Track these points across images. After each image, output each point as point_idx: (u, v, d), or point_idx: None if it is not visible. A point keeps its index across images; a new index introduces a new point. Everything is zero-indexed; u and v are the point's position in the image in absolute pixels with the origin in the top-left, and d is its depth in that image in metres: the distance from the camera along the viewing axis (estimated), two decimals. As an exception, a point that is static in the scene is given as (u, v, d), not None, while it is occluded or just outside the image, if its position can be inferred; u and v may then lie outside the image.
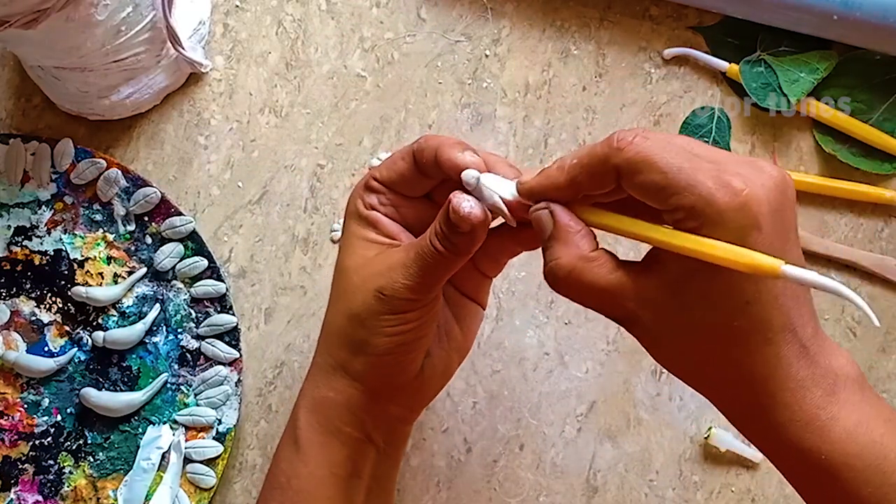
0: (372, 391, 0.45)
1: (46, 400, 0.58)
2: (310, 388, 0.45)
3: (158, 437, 0.57)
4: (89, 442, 0.58)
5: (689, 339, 0.38)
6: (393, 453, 0.48)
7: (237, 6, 0.62)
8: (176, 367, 0.58)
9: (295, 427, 0.45)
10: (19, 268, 0.59)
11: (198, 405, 0.58)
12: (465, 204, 0.40)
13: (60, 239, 0.59)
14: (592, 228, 0.40)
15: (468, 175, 0.42)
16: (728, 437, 0.57)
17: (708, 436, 0.57)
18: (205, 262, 0.58)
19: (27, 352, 0.58)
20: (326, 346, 0.45)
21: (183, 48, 0.58)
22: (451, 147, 0.42)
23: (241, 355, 0.58)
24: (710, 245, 0.35)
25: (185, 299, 0.59)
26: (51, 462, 0.58)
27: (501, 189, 0.41)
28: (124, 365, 0.58)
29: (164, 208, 0.59)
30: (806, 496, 0.39)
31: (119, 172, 0.59)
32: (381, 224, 0.45)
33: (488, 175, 0.42)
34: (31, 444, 0.58)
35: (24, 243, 0.59)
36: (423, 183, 0.45)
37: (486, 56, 0.62)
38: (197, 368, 0.58)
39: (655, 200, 0.36)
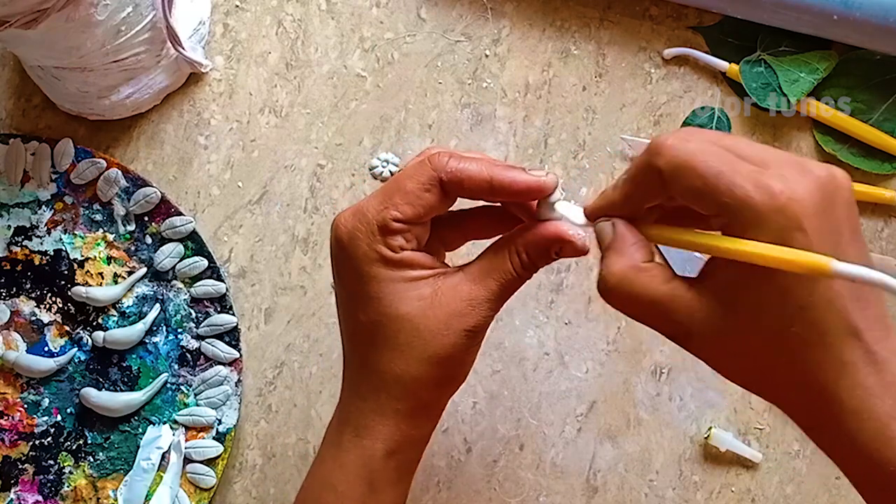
0: (442, 411, 0.46)
1: (46, 400, 0.58)
2: (387, 433, 0.44)
3: (158, 437, 0.57)
4: (89, 442, 0.58)
5: (747, 350, 0.37)
6: None
7: (237, 6, 0.62)
8: (176, 367, 0.58)
9: (370, 470, 0.44)
10: (19, 268, 0.59)
11: (198, 405, 0.58)
12: (584, 240, 0.41)
13: (60, 239, 0.59)
14: (654, 243, 0.41)
15: (558, 209, 0.42)
16: (728, 437, 0.57)
17: (708, 436, 0.57)
18: (205, 262, 0.58)
19: (27, 352, 0.58)
20: (406, 393, 0.43)
21: (183, 48, 0.58)
22: (502, 170, 0.41)
23: (241, 355, 0.58)
24: (757, 246, 0.34)
25: (185, 299, 0.59)
26: (51, 462, 0.58)
27: (574, 215, 0.42)
28: (124, 365, 0.58)
29: (164, 208, 0.59)
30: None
31: (119, 172, 0.59)
32: (417, 261, 0.43)
33: (562, 202, 0.42)
34: (31, 444, 0.58)
35: (24, 243, 0.59)
36: (445, 210, 0.44)
37: (486, 56, 0.62)
38: (197, 368, 0.58)
39: (698, 204, 0.36)
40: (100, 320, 0.59)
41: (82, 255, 0.59)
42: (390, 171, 0.60)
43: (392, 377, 0.43)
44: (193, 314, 0.59)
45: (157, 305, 0.59)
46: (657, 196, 0.39)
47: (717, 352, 0.38)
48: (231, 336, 0.58)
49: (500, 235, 0.45)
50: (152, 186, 0.59)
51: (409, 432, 0.44)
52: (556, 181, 0.42)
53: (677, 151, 0.36)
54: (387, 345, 0.43)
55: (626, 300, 0.40)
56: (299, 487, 0.46)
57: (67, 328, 0.59)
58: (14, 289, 0.59)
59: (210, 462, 0.57)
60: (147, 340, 0.58)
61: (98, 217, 0.59)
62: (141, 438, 0.58)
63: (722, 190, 0.35)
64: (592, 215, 0.41)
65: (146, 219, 0.59)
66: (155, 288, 0.59)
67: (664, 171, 0.36)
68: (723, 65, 0.60)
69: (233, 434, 0.57)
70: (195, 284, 0.59)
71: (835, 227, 0.35)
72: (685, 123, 0.60)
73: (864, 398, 0.35)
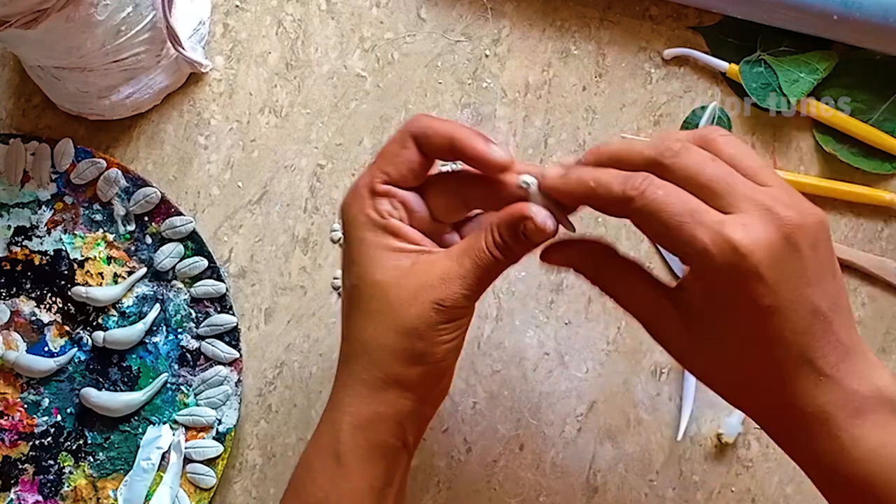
0: (421, 398, 0.45)
1: (46, 400, 0.58)
2: (353, 404, 0.44)
3: (158, 437, 0.57)
4: (89, 442, 0.58)
5: (711, 367, 0.41)
6: (414, 452, 0.48)
7: (237, 6, 0.62)
8: (176, 367, 0.58)
9: (336, 442, 0.44)
10: (19, 268, 0.59)
11: (198, 405, 0.58)
12: (546, 219, 0.42)
13: (60, 239, 0.59)
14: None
15: (525, 180, 0.42)
16: (734, 422, 0.57)
17: (720, 433, 0.57)
18: (205, 262, 0.58)
19: (27, 352, 0.58)
20: (372, 362, 0.44)
21: (183, 48, 0.58)
22: (471, 138, 0.43)
23: (241, 355, 0.58)
24: None
25: (185, 299, 0.59)
26: (51, 462, 0.58)
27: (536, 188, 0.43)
28: (124, 365, 0.58)
29: (164, 208, 0.59)
30: None
31: (119, 172, 0.59)
32: (403, 232, 0.44)
33: (530, 178, 0.43)
34: (31, 444, 0.58)
35: (24, 243, 0.59)
36: (425, 171, 0.45)
37: (486, 56, 0.62)
38: (197, 368, 0.58)
39: (664, 246, 0.40)
40: (100, 320, 0.59)
41: (82, 255, 0.59)
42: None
43: (360, 344, 0.44)
44: (193, 314, 0.59)
45: (157, 305, 0.59)
46: (611, 215, 0.41)
47: (680, 357, 0.43)
48: (231, 336, 0.58)
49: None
50: (152, 186, 0.59)
51: (375, 407, 0.43)
52: (507, 160, 0.42)
53: (646, 199, 0.38)
54: (360, 310, 0.44)
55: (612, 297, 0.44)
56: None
57: (67, 328, 0.59)
58: (14, 289, 0.59)
59: (210, 462, 0.57)
60: (147, 340, 0.58)
61: (98, 217, 0.59)
62: (141, 438, 0.58)
63: (684, 240, 0.38)
64: (549, 189, 0.42)
65: (146, 219, 0.59)
66: (155, 288, 0.59)
67: (630, 213, 0.39)
68: (723, 65, 0.60)
69: (233, 434, 0.57)
70: (195, 284, 0.59)
71: (797, 274, 0.38)
72: (685, 123, 0.60)
73: (816, 415, 0.39)
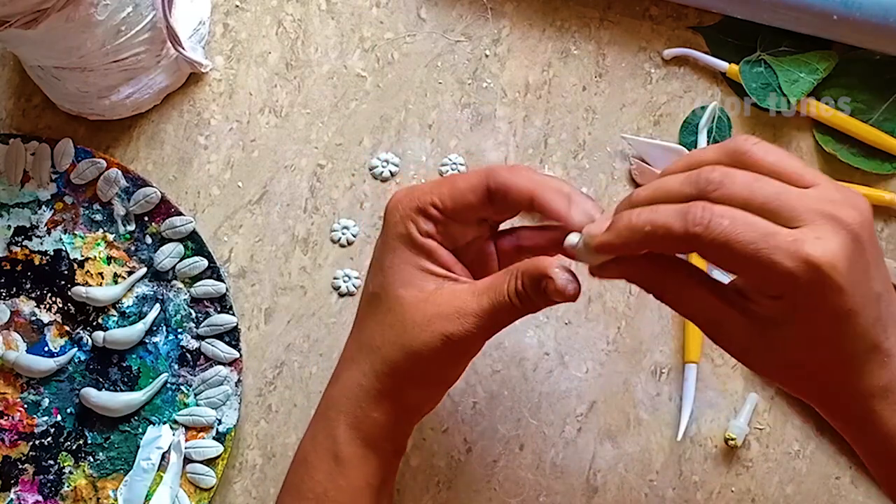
0: (416, 410, 0.46)
1: (46, 400, 0.58)
2: (350, 405, 0.45)
3: (158, 437, 0.57)
4: (89, 442, 0.58)
5: (778, 365, 0.41)
6: (404, 452, 0.49)
7: (237, 6, 0.62)
8: (176, 367, 0.58)
9: (334, 441, 0.45)
10: (19, 268, 0.59)
11: (198, 405, 0.58)
12: (567, 284, 0.41)
13: (60, 239, 0.59)
14: None
15: (572, 240, 0.42)
16: (741, 423, 0.57)
17: (727, 436, 0.57)
18: (205, 262, 0.58)
19: (27, 352, 0.58)
20: (374, 371, 0.44)
21: (183, 48, 0.58)
22: (553, 199, 0.42)
23: (241, 355, 0.58)
24: None
25: (185, 299, 0.59)
26: (51, 462, 0.58)
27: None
28: (124, 365, 0.58)
29: (164, 208, 0.59)
30: (890, 492, 0.42)
31: (119, 172, 0.59)
32: (438, 255, 0.44)
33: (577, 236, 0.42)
34: (31, 444, 0.58)
35: (24, 243, 0.59)
36: (481, 218, 0.45)
37: (486, 56, 0.62)
38: (197, 368, 0.58)
39: (737, 273, 0.39)
40: (100, 320, 0.58)
41: (82, 255, 0.59)
42: (390, 171, 0.60)
43: (368, 351, 0.44)
44: (193, 314, 0.59)
45: (157, 305, 0.59)
46: (675, 253, 0.41)
47: (742, 357, 0.41)
48: (231, 336, 0.58)
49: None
50: (152, 186, 0.59)
51: (371, 413, 0.44)
52: (584, 222, 0.41)
53: (714, 231, 0.37)
54: (375, 318, 0.44)
55: (667, 302, 0.43)
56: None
57: (67, 328, 0.59)
58: (14, 289, 0.59)
59: (210, 462, 0.57)
60: (147, 340, 0.58)
61: (98, 217, 0.59)
62: (141, 438, 0.58)
63: (763, 267, 0.36)
64: (601, 249, 0.41)
65: (146, 219, 0.59)
66: (155, 288, 0.59)
67: (700, 249, 0.37)
68: (723, 65, 0.60)
69: (233, 434, 0.57)
70: (195, 284, 0.59)
71: (865, 269, 0.38)
72: (685, 123, 0.60)
73: (880, 395, 0.39)
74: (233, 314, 0.58)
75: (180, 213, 0.59)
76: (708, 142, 0.60)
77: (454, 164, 0.60)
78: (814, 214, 0.37)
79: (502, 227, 0.48)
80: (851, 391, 0.39)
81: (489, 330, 0.43)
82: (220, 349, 0.58)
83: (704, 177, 0.38)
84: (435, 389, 0.46)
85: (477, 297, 0.43)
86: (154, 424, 0.58)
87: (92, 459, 0.58)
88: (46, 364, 0.58)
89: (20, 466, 0.58)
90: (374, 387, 0.44)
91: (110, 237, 0.59)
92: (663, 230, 0.38)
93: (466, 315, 0.42)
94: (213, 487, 0.57)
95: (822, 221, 0.37)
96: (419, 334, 0.43)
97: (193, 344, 0.58)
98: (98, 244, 0.59)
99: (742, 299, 0.40)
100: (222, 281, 0.58)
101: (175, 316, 0.59)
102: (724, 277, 0.56)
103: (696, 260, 0.57)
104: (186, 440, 0.57)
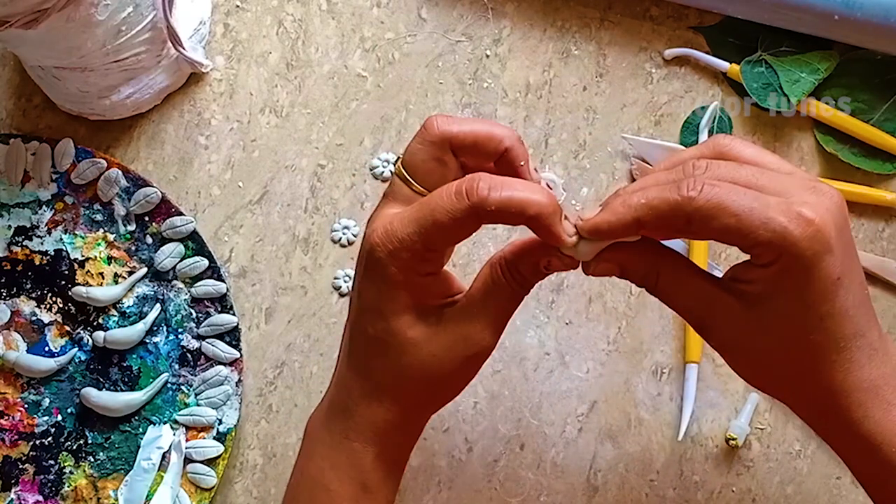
0: (428, 419, 0.47)
1: (47, 400, 0.58)
2: (380, 438, 0.45)
3: (159, 437, 0.57)
4: (90, 442, 0.58)
5: (766, 354, 0.40)
6: None
7: (238, 6, 0.62)
8: (176, 366, 0.58)
9: (360, 470, 0.45)
10: (20, 268, 0.59)
11: (198, 405, 0.58)
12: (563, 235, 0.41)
13: (61, 239, 0.59)
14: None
15: (569, 230, 0.41)
16: (742, 423, 0.57)
17: (728, 437, 0.57)
18: (205, 262, 0.58)
19: (28, 352, 0.58)
20: (399, 406, 0.44)
21: (183, 48, 0.58)
22: (551, 215, 0.40)
23: (241, 355, 0.58)
24: None
25: (185, 299, 0.59)
26: (51, 462, 0.58)
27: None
28: (125, 365, 0.58)
29: (165, 208, 0.59)
30: (875, 493, 0.42)
31: (119, 172, 0.59)
32: (436, 286, 0.44)
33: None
34: (31, 444, 0.58)
35: (24, 243, 0.59)
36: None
37: (487, 56, 0.62)
38: (197, 368, 0.58)
39: (733, 241, 0.38)
40: (100, 320, 0.58)
41: (83, 255, 0.59)
42: (391, 172, 0.60)
43: (386, 389, 0.44)
44: (194, 314, 0.59)
45: (158, 305, 0.59)
46: (671, 231, 0.40)
47: (734, 352, 0.42)
48: (231, 336, 0.58)
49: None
50: (153, 186, 0.59)
51: (396, 438, 0.45)
52: (574, 240, 0.41)
53: (708, 195, 0.37)
54: (387, 361, 0.43)
55: (661, 297, 0.43)
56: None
57: (68, 328, 0.59)
58: (14, 289, 0.59)
59: (211, 462, 0.57)
60: (147, 340, 0.58)
61: (98, 217, 0.59)
62: (141, 438, 0.58)
63: (758, 225, 0.37)
64: (594, 232, 0.40)
65: (147, 219, 0.59)
66: (155, 288, 0.59)
67: (693, 214, 0.38)
68: (723, 65, 0.60)
69: (233, 434, 0.57)
70: (196, 284, 0.59)
71: (848, 243, 0.39)
72: (686, 123, 0.60)
73: (868, 390, 0.39)
74: (233, 314, 0.58)
75: (181, 213, 0.59)
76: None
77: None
78: (798, 188, 0.38)
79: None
80: (838, 382, 0.39)
81: (502, 328, 0.44)
82: (221, 349, 0.58)
83: (690, 164, 0.40)
84: (451, 400, 0.47)
85: (481, 307, 0.43)
86: (154, 424, 0.58)
87: (92, 459, 0.58)
88: (47, 364, 0.58)
89: (20, 466, 0.58)
90: (401, 419, 0.45)
91: (111, 237, 0.59)
92: (659, 200, 0.38)
93: (482, 330, 0.43)
94: (213, 487, 0.57)
95: (808, 192, 0.38)
96: (442, 366, 0.43)
97: (194, 344, 0.58)
98: (98, 244, 0.59)
99: (734, 284, 0.40)
100: (223, 281, 0.58)
101: (175, 316, 0.59)
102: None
103: (696, 257, 0.57)
104: (187, 440, 0.57)
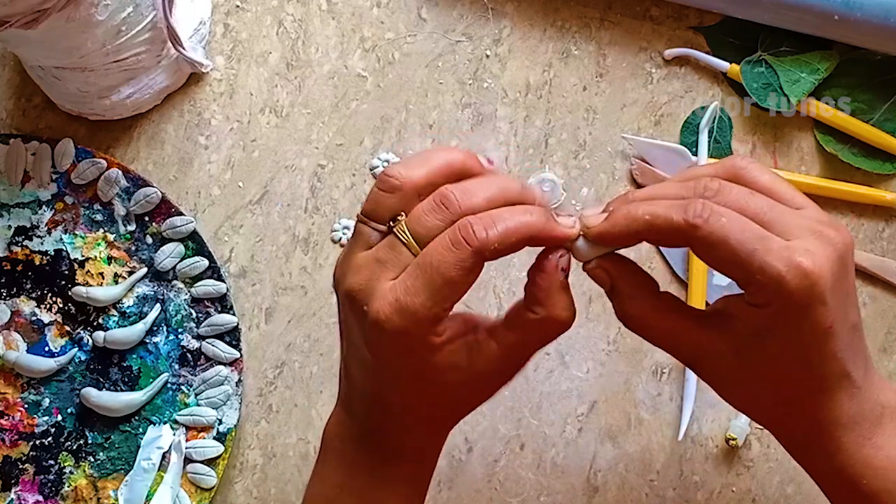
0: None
1: (47, 400, 0.58)
2: (404, 490, 0.45)
3: (159, 437, 0.57)
4: (90, 442, 0.58)
5: (752, 388, 0.41)
6: None
7: (238, 6, 0.62)
8: (176, 367, 0.58)
9: (387, 500, 0.45)
10: (20, 268, 0.59)
11: (198, 405, 0.58)
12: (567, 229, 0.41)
13: (61, 239, 0.59)
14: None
15: (569, 222, 0.41)
16: (742, 423, 0.57)
17: (728, 437, 0.57)
18: (205, 262, 0.58)
19: (28, 352, 0.58)
20: (434, 427, 0.45)
21: (183, 48, 0.58)
22: (550, 225, 0.40)
23: (241, 355, 0.58)
24: None
25: (185, 299, 0.59)
26: (51, 462, 0.58)
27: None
28: (125, 365, 0.58)
29: (165, 208, 0.59)
30: None
31: (119, 172, 0.59)
32: (453, 335, 0.42)
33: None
34: (31, 444, 0.58)
35: (24, 243, 0.59)
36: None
37: (487, 56, 0.62)
38: (197, 368, 0.58)
39: (728, 274, 0.38)
40: (100, 320, 0.58)
41: (83, 255, 0.59)
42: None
43: (412, 448, 0.45)
44: (194, 314, 0.59)
45: (158, 305, 0.59)
46: (670, 246, 0.40)
47: (721, 384, 0.42)
48: (231, 336, 0.58)
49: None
50: (153, 186, 0.59)
51: (428, 475, 0.46)
52: (575, 232, 0.41)
53: (713, 227, 0.37)
54: (419, 421, 0.43)
55: (645, 335, 0.42)
56: (302, 498, 0.46)
57: (68, 328, 0.59)
58: (14, 289, 0.59)
59: (211, 462, 0.57)
60: (147, 340, 0.58)
61: (98, 217, 0.59)
62: (141, 438, 0.58)
63: (756, 268, 0.37)
64: (596, 238, 0.41)
65: (147, 219, 0.59)
66: (155, 288, 0.59)
67: (695, 242, 0.38)
68: (723, 65, 0.60)
69: (233, 434, 0.57)
70: (196, 284, 0.59)
71: (845, 292, 0.39)
72: (686, 123, 0.60)
73: (846, 425, 0.40)
74: (233, 314, 0.58)
75: (181, 213, 0.59)
76: (709, 142, 0.60)
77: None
78: (804, 230, 0.38)
79: None
80: (820, 418, 0.40)
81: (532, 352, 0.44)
82: (221, 349, 0.58)
83: (703, 184, 0.39)
84: None
85: (504, 338, 0.42)
86: (154, 424, 0.58)
87: (92, 459, 0.58)
88: (47, 364, 0.58)
89: (20, 466, 0.58)
90: (426, 470, 0.45)
91: (111, 237, 0.59)
92: (663, 220, 0.38)
93: (512, 360, 0.43)
94: (213, 487, 0.57)
95: (811, 236, 0.38)
96: (481, 396, 0.44)
97: (194, 344, 0.58)
98: (98, 244, 0.59)
99: (724, 317, 0.40)
100: (223, 281, 0.58)
101: (175, 316, 0.59)
102: (723, 281, 0.57)
103: (697, 263, 0.57)
104: (187, 440, 0.57)
